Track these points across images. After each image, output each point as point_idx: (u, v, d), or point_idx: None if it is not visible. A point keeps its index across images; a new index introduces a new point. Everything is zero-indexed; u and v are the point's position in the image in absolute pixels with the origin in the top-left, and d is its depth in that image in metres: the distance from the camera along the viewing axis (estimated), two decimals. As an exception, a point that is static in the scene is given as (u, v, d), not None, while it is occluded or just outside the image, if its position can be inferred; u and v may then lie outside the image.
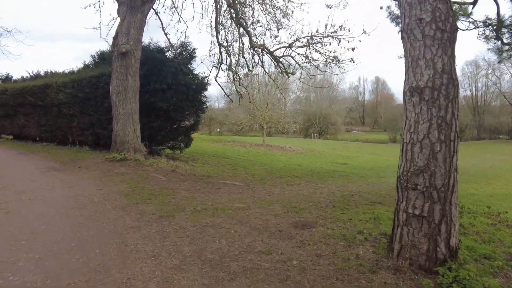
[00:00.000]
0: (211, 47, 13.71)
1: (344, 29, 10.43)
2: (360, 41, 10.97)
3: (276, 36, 12.31)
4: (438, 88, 3.24)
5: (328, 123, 57.12)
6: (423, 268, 3.26)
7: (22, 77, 19.34)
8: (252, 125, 33.63)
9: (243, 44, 13.24)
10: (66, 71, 15.79)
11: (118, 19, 10.75)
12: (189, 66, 12.88)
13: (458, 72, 3.34)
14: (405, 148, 3.44)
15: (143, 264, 3.37)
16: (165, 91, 11.50)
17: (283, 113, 34.94)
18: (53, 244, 3.88)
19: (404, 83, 3.53)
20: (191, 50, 13.08)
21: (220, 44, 13.15)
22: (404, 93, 3.50)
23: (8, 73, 21.70)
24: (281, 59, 12.41)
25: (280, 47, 12.11)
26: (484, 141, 51.54)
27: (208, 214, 5.17)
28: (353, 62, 10.39)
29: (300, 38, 11.24)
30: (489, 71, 59.24)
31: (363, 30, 10.04)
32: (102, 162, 9.52)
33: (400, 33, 3.64)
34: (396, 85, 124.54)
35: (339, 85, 66.83)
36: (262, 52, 12.84)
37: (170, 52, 12.75)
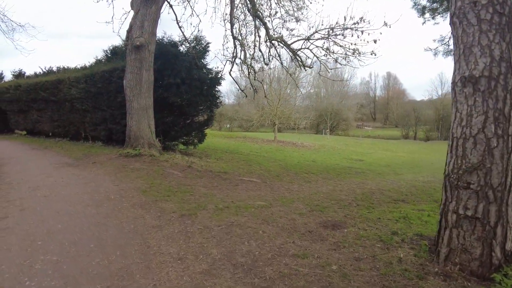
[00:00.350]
0: (224, 41, 13.39)
1: (364, 21, 10.03)
2: (381, 33, 10.48)
3: (292, 29, 11.97)
4: (495, 78, 2.91)
5: (339, 119, 56.30)
6: (475, 274, 2.97)
7: (35, 73, 19.44)
8: (263, 120, 33.30)
9: (259, 37, 12.90)
10: (79, 66, 15.74)
11: (131, 14, 10.55)
12: (202, 60, 12.61)
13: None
14: (455, 144, 3.13)
15: (169, 269, 3.11)
16: (179, 86, 11.25)
17: (295, 108, 34.54)
18: (71, 245, 3.66)
19: (454, 73, 3.20)
20: (205, 44, 12.77)
21: (234, 38, 12.83)
22: (454, 83, 3.18)
23: (21, 69, 21.98)
24: (298, 52, 12.04)
25: (298, 40, 11.73)
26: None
27: (231, 213, 4.92)
28: (375, 55, 9.99)
29: (319, 30, 10.86)
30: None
31: (384, 22, 9.61)
32: (116, 158, 9.34)
33: (450, 18, 3.31)
34: (408, 80, 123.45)
35: (350, 81, 65.78)
36: (278, 45, 12.49)
37: (183, 46, 12.49)
